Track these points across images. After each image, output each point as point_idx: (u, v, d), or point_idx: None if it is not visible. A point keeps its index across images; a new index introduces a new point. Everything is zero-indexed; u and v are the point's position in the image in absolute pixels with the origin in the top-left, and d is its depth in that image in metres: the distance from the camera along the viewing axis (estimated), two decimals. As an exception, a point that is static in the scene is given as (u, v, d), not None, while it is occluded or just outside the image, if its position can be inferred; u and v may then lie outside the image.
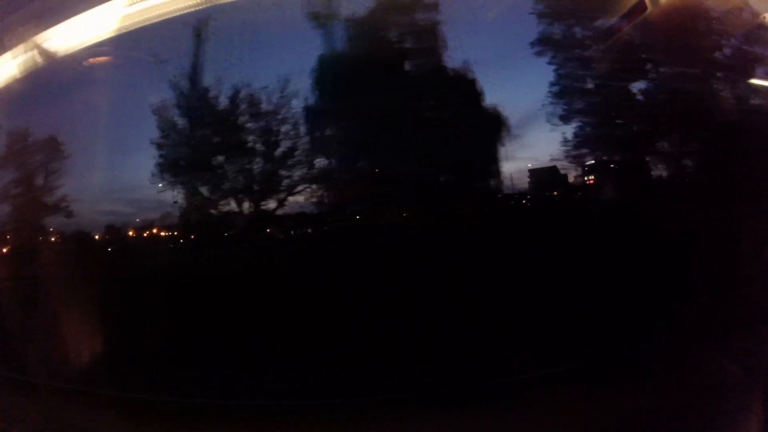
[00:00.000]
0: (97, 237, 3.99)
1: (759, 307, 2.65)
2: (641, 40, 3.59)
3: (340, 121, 3.80)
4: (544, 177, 3.68)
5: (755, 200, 3.13)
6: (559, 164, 3.68)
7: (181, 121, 4.01)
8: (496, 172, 3.61)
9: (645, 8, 3.31)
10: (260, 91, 3.92)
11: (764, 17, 3.52)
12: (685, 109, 3.69)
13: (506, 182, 3.63)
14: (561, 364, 2.43)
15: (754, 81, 3.84)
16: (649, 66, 3.79)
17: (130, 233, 3.98)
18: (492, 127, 3.63)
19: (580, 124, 3.74)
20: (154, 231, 3.98)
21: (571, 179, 3.69)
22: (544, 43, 3.73)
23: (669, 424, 1.96)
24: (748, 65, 3.79)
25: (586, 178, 3.72)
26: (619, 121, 3.79)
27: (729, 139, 3.64)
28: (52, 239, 4.13)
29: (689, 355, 2.36)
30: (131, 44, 3.70)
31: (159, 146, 3.99)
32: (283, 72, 3.85)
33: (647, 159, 3.81)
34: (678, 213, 3.13)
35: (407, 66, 3.86)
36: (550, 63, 3.77)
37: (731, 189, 3.31)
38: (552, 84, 3.77)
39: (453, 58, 3.74)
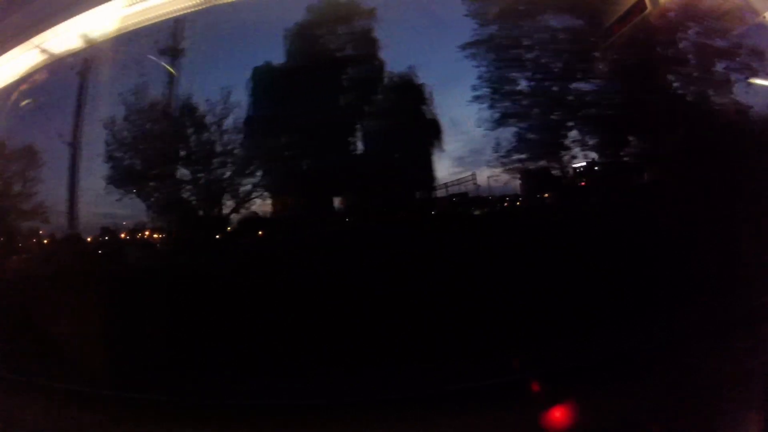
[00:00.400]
0: (96, 238, 3.98)
1: (759, 307, 2.65)
2: (635, 39, 3.58)
3: (297, 129, 3.83)
4: (537, 178, 3.68)
5: (755, 200, 3.13)
6: (549, 166, 3.68)
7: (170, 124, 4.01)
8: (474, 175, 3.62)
9: (645, 8, 3.31)
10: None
11: (764, 16, 3.52)
12: (682, 109, 3.69)
13: (498, 184, 3.63)
14: (561, 364, 2.43)
15: (755, 80, 3.84)
16: (643, 66, 3.77)
17: (129, 234, 3.98)
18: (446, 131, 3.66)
19: (566, 125, 3.73)
20: (153, 232, 3.98)
21: (564, 181, 3.68)
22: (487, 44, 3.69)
23: (669, 424, 1.96)
24: (748, 64, 3.78)
25: (578, 180, 3.71)
26: (614, 122, 3.77)
27: (728, 139, 3.64)
28: (52, 240, 4.13)
29: (689, 355, 2.36)
30: (129, 44, 3.70)
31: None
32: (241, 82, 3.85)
33: (644, 159, 3.80)
34: (677, 213, 3.13)
35: (359, 72, 3.89)
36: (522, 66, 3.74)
37: (731, 189, 3.31)
38: (529, 86, 3.75)
39: (400, 63, 3.76)
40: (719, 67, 3.77)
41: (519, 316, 2.66)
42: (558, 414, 2.13)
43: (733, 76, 3.78)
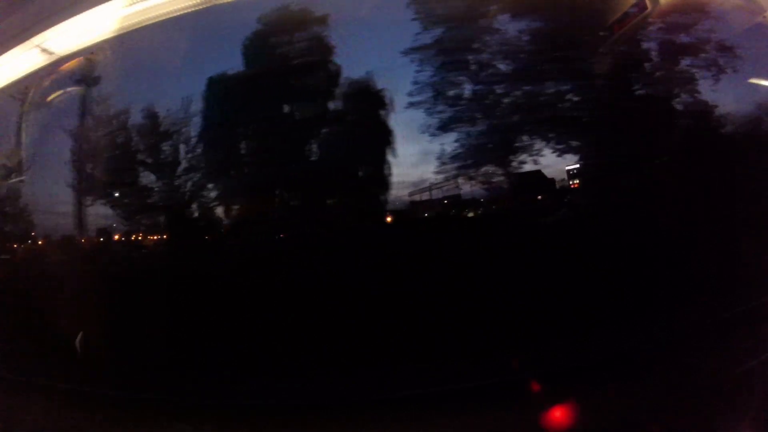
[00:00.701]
0: (94, 238, 3.99)
1: (759, 307, 2.65)
2: (634, 39, 3.59)
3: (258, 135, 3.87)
4: (531, 179, 3.68)
5: (755, 200, 3.13)
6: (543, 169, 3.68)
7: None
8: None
9: (645, 7, 3.31)
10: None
11: (765, 16, 3.51)
12: (682, 108, 3.69)
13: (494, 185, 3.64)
14: (561, 364, 2.43)
15: (756, 80, 3.83)
16: (640, 66, 3.76)
17: (125, 234, 3.99)
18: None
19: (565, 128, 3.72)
20: (151, 232, 3.99)
21: (560, 181, 3.68)
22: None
23: (669, 424, 1.96)
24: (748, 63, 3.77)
25: (571, 182, 3.71)
26: (611, 122, 3.77)
27: (728, 140, 3.64)
28: (51, 240, 4.13)
29: (689, 355, 2.36)
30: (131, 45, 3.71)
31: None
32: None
33: (642, 159, 3.79)
34: (677, 213, 3.13)
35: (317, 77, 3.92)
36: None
37: (731, 189, 3.31)
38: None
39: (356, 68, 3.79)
40: (713, 66, 3.75)
41: (519, 316, 2.66)
42: (558, 414, 2.13)
43: (723, 74, 3.76)
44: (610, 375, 2.32)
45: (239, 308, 2.99)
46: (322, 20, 3.75)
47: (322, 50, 3.78)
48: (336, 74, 3.81)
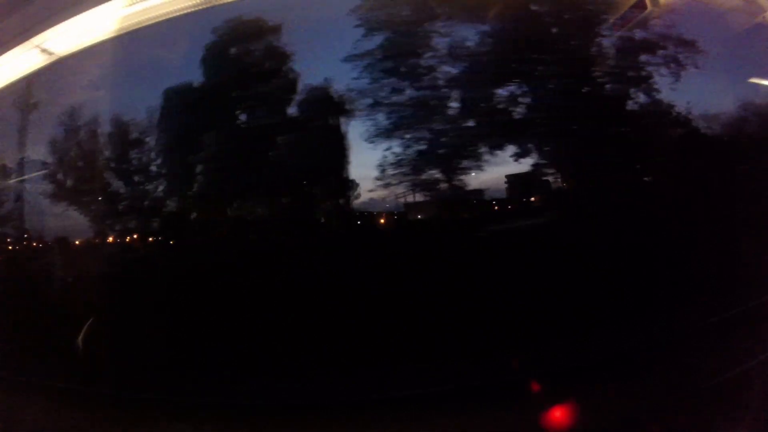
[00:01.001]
0: (94, 238, 3.99)
1: (759, 307, 2.65)
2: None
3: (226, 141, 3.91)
4: (525, 181, 3.70)
5: (755, 200, 3.13)
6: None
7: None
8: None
9: (645, 7, 3.32)
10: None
11: (764, 16, 3.51)
12: (681, 108, 3.69)
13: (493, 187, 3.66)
14: (561, 364, 2.43)
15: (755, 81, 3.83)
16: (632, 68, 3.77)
17: (125, 236, 3.99)
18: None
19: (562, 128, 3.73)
20: (150, 234, 4.01)
21: (557, 182, 3.70)
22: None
23: (669, 424, 1.96)
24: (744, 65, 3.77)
25: (566, 183, 3.72)
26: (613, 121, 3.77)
27: (728, 140, 3.65)
28: (50, 241, 4.13)
29: (689, 355, 2.36)
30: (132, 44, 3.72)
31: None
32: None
33: (643, 158, 3.80)
34: (678, 213, 3.13)
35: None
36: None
37: (731, 189, 3.32)
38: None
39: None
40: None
41: (519, 316, 2.66)
42: (558, 414, 2.13)
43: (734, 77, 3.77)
44: (610, 375, 2.32)
45: (239, 309, 2.99)
46: (275, 30, 3.81)
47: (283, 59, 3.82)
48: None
